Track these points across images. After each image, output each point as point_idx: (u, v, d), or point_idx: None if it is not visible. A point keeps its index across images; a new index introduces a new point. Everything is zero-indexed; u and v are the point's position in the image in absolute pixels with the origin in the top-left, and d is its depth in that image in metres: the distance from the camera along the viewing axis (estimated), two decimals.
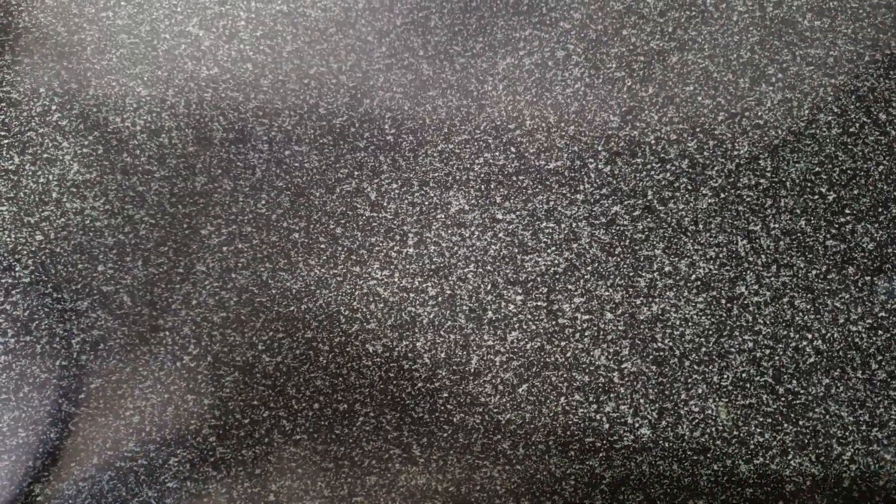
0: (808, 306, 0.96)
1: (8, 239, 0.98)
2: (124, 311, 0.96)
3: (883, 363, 0.93)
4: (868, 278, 0.96)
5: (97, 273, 0.97)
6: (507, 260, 0.99)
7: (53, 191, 1.00)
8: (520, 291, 0.98)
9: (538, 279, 0.98)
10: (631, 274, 0.98)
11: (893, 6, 1.07)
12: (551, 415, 0.93)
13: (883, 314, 0.95)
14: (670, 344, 0.95)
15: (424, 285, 0.98)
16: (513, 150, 1.03)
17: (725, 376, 0.94)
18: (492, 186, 1.02)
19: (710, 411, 0.93)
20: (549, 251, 0.99)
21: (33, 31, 1.06)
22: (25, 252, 0.98)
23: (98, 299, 0.96)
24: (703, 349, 0.95)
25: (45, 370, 0.94)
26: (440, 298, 0.98)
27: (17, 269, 0.98)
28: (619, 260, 0.99)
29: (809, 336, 0.95)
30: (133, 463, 0.90)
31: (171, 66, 1.05)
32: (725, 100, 1.04)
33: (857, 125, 1.02)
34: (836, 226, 0.99)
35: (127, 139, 1.02)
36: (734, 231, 0.99)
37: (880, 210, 0.99)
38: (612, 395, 0.94)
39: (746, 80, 1.04)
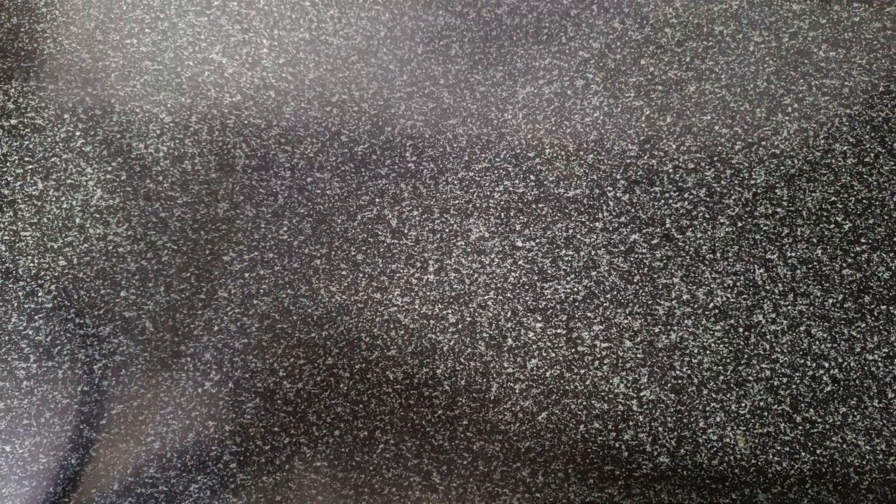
0: (825, 335, 0.97)
1: (31, 264, 0.98)
2: (146, 336, 0.97)
3: None
4: (884, 307, 0.97)
5: (119, 298, 0.98)
6: (526, 287, 1.00)
7: (77, 216, 1.01)
8: (539, 319, 0.99)
9: (557, 307, 0.99)
10: (649, 302, 0.99)
11: None
12: (570, 443, 0.94)
13: None
14: (688, 372, 0.96)
15: (445, 312, 0.99)
16: (532, 178, 1.04)
17: (743, 404, 0.94)
18: (511, 214, 1.03)
19: (728, 439, 0.93)
20: (568, 279, 1.00)
21: (58, 58, 1.07)
22: (48, 277, 0.98)
23: (120, 325, 0.97)
24: (721, 377, 0.96)
25: (67, 395, 0.95)
26: (460, 325, 0.99)
27: (39, 294, 0.99)
28: (637, 288, 0.99)
29: (826, 365, 0.96)
30: (154, 489, 0.91)
31: (194, 93, 1.07)
32: (742, 129, 1.05)
33: (873, 155, 1.03)
34: (853, 255, 1.00)
35: (150, 165, 1.03)
36: (751, 259, 1.00)
37: (895, 239, 1.00)
38: (630, 423, 0.94)
39: (763, 109, 1.06)
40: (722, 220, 1.02)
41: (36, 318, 0.97)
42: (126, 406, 0.94)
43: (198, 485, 0.92)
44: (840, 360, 0.96)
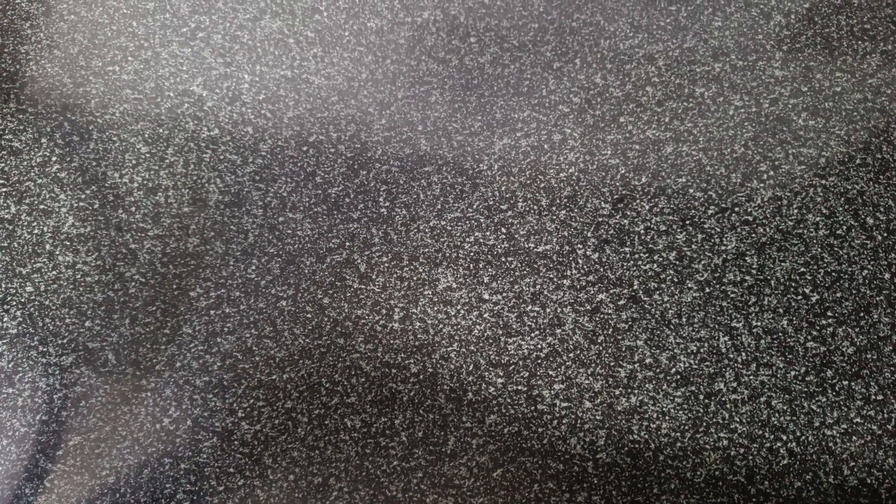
0: (785, 407, 0.97)
1: None
2: (108, 368, 0.97)
3: (856, 469, 0.94)
4: (846, 383, 0.97)
5: (84, 329, 0.98)
6: (490, 341, 1.00)
7: (47, 242, 1.01)
8: (501, 374, 0.99)
9: (520, 363, 0.99)
10: (612, 363, 0.99)
11: (887, 110, 1.08)
12: (524, 502, 0.94)
13: (859, 420, 0.96)
14: (646, 437, 0.96)
15: (407, 362, 0.99)
16: (504, 230, 1.04)
17: (699, 473, 0.94)
18: (480, 266, 1.03)
19: None
20: (532, 335, 1.00)
21: (39, 81, 1.07)
22: (14, 303, 0.98)
23: (83, 355, 0.97)
24: (679, 444, 0.96)
25: (25, 424, 0.95)
26: (422, 376, 0.99)
27: (5, 319, 0.99)
28: (601, 348, 0.99)
29: (784, 437, 0.96)
30: None
31: (172, 125, 1.07)
32: (716, 193, 1.05)
33: (845, 228, 1.03)
34: (818, 328, 1.00)
35: (123, 195, 1.03)
36: (717, 326, 1.00)
37: (862, 315, 1.00)
38: (585, 486, 0.94)
39: (738, 175, 1.06)
40: (690, 285, 1.02)
41: None
42: (84, 438, 0.94)
43: None
44: (798, 434, 0.96)
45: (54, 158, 1.05)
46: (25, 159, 1.04)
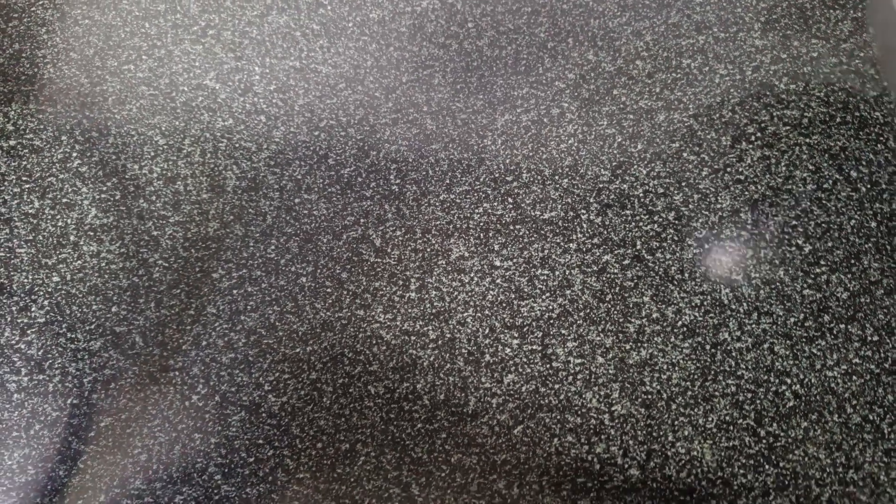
0: (787, 352, 1.01)
1: (25, 280, 1.02)
2: (136, 351, 1.00)
3: (857, 407, 0.99)
4: (843, 326, 1.02)
5: (111, 314, 1.01)
6: (504, 305, 1.04)
7: (71, 234, 1.04)
8: (516, 335, 1.03)
9: (533, 324, 1.03)
10: (621, 320, 1.04)
11: (861, 71, 1.15)
12: (545, 455, 0.97)
13: (857, 361, 1.01)
14: (658, 387, 1.00)
15: (425, 329, 1.03)
16: (510, 200, 1.09)
17: (710, 419, 0.98)
18: (490, 235, 1.08)
19: (695, 453, 0.97)
20: (544, 297, 1.05)
21: (57, 82, 1.12)
22: (42, 293, 1.01)
23: (111, 339, 1.00)
24: (689, 392, 1.00)
25: (57, 408, 0.97)
26: (440, 342, 1.02)
27: (32, 309, 1.02)
28: (609, 306, 1.04)
29: (788, 381, 1.00)
30: (139, 501, 0.93)
31: (188, 117, 1.11)
32: (709, 156, 1.11)
33: (831, 182, 1.09)
34: (813, 276, 1.05)
35: (144, 186, 1.07)
36: (718, 280, 1.05)
37: (853, 262, 1.05)
38: (602, 437, 0.98)
39: (728, 138, 1.12)
40: (690, 242, 1.07)
41: (28, 332, 1.00)
42: (114, 419, 0.97)
43: (183, 496, 0.94)
44: (801, 377, 1.00)
45: (74, 154, 1.09)
46: (47, 156, 1.08)
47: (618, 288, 1.05)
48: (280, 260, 1.06)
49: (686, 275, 1.05)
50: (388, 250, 1.07)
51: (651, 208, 1.09)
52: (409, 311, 1.04)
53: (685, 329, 1.03)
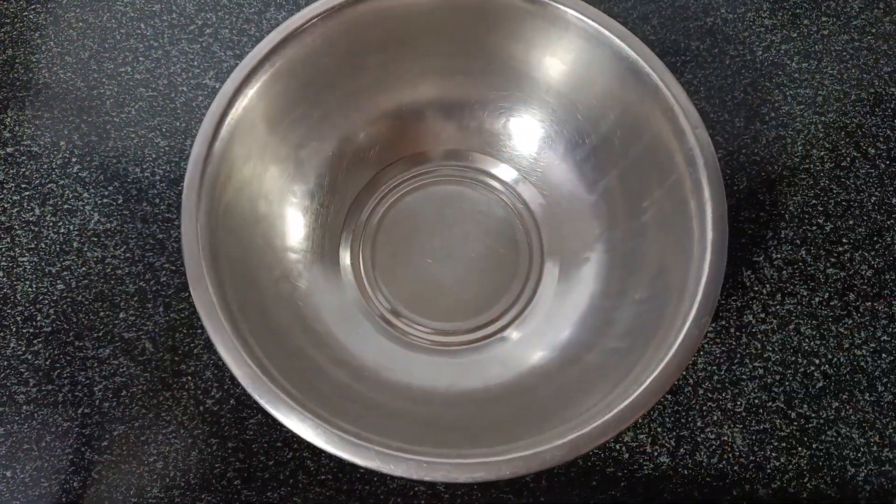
0: (814, 332, 1.00)
1: (29, 289, 0.99)
2: (146, 356, 0.97)
3: (889, 385, 0.97)
4: (869, 304, 1.00)
5: (119, 320, 0.99)
6: None
7: (74, 240, 1.02)
8: None
9: None
10: None
11: (874, 48, 1.14)
12: None
13: (885, 338, 0.99)
14: (684, 373, 0.98)
15: None
16: None
17: (739, 402, 0.96)
18: None
19: (726, 437, 0.95)
20: None
21: (53, 87, 1.09)
22: (47, 301, 0.99)
23: (120, 346, 0.97)
24: (716, 377, 0.98)
25: (68, 419, 0.95)
26: None
27: (38, 318, 0.99)
28: None
29: (817, 361, 0.98)
30: None
31: (188, 117, 1.09)
32: (723, 138, 1.09)
33: (849, 159, 1.08)
34: (835, 255, 1.03)
35: (146, 188, 1.05)
36: (738, 262, 1.03)
37: (875, 238, 1.04)
38: (630, 426, 0.96)
39: (741, 119, 1.10)
40: None
41: (35, 342, 0.97)
42: (128, 427, 0.94)
43: (202, 503, 0.92)
44: (830, 357, 0.98)
45: (74, 159, 1.06)
46: (45, 162, 1.06)
47: None
48: None
49: None
50: None
51: None
52: None
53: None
